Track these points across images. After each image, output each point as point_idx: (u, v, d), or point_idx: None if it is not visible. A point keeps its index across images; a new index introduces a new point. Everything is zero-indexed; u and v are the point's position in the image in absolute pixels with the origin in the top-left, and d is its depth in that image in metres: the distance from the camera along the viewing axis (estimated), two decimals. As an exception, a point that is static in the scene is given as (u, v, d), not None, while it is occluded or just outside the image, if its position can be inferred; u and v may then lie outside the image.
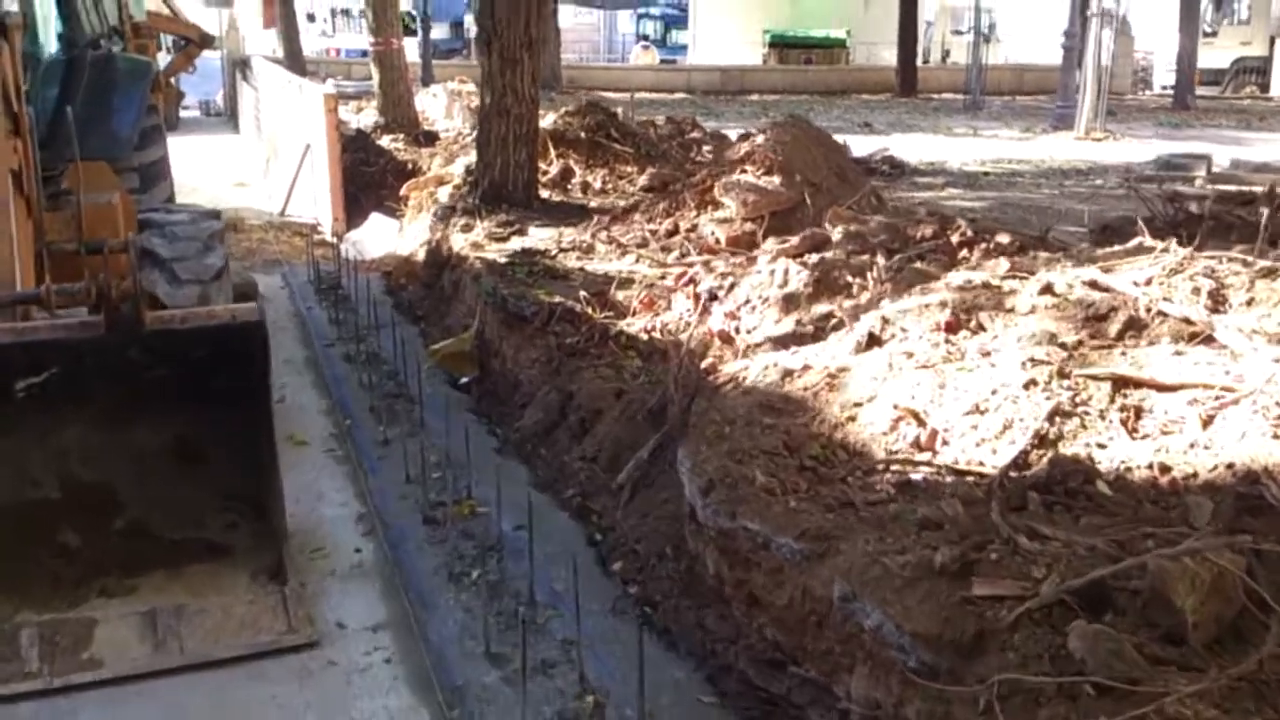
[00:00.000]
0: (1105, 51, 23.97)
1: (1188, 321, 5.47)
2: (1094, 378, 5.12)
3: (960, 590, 3.98)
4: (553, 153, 13.78)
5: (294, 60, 27.52)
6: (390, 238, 14.16)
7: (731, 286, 8.14)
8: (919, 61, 40.60)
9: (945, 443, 5.09)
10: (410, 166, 17.09)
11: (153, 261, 7.47)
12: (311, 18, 49.20)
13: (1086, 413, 4.96)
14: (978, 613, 3.89)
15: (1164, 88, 39.64)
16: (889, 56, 40.03)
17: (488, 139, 12.46)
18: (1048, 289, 6.00)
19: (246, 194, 18.40)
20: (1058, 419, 4.92)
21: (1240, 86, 39.72)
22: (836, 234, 8.44)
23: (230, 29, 31.27)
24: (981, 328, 5.93)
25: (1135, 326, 5.57)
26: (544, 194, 12.79)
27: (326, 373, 9.35)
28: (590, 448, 7.15)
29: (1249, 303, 5.65)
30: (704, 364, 7.07)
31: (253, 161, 21.28)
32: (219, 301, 7.53)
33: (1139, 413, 4.93)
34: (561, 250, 10.24)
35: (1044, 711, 3.51)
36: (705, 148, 16.02)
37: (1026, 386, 5.09)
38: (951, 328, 5.96)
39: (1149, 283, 5.85)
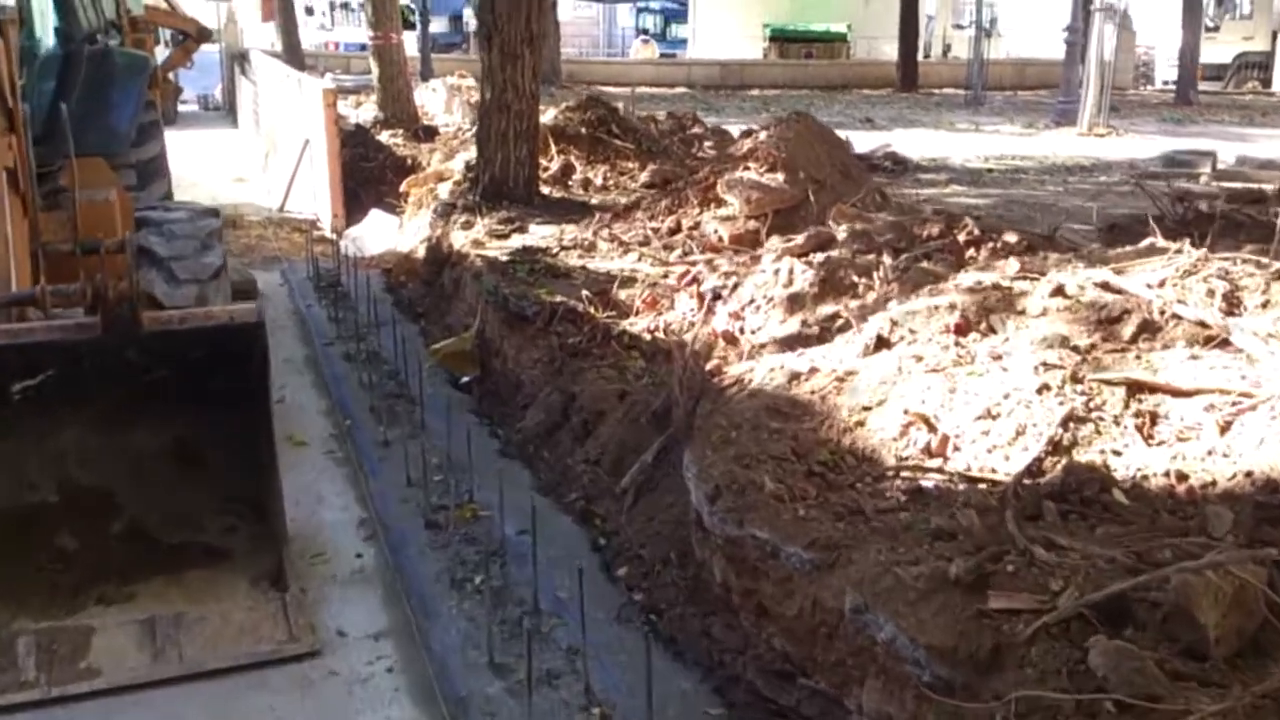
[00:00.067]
0: (1108, 46, 23.85)
1: (1203, 325, 5.38)
2: (1108, 382, 5.03)
3: (976, 603, 3.89)
4: (553, 149, 13.69)
5: (292, 54, 27.41)
6: (390, 234, 14.05)
7: (735, 286, 8.05)
8: (920, 56, 40.49)
9: (956, 449, 5.00)
10: (410, 162, 16.98)
11: (150, 260, 7.39)
12: (310, 11, 49.14)
13: (1101, 418, 4.87)
14: (994, 626, 3.81)
15: (1166, 83, 39.56)
16: (890, 51, 39.91)
17: (488, 135, 12.35)
18: (1059, 290, 5.90)
19: (245, 189, 18.30)
20: (1071, 425, 4.83)
21: (1242, 82, 39.63)
22: (841, 233, 8.34)
23: (229, 22, 31.15)
24: (992, 330, 5.84)
25: (1149, 329, 5.48)
26: (545, 190, 12.69)
27: (326, 372, 9.26)
28: (593, 450, 7.06)
29: (1264, 305, 5.56)
30: (708, 365, 6.97)
31: (251, 156, 21.18)
32: (217, 301, 7.45)
33: (1154, 418, 4.85)
34: (563, 248, 10.15)
35: (1063, 729, 3.44)
36: (706, 143, 15.94)
37: (1039, 391, 5.00)
38: (961, 330, 5.87)
39: (1162, 285, 5.76)
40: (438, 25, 43.02)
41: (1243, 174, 15.58)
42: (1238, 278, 5.75)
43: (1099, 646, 3.58)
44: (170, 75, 23.35)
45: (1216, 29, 39.79)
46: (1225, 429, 4.63)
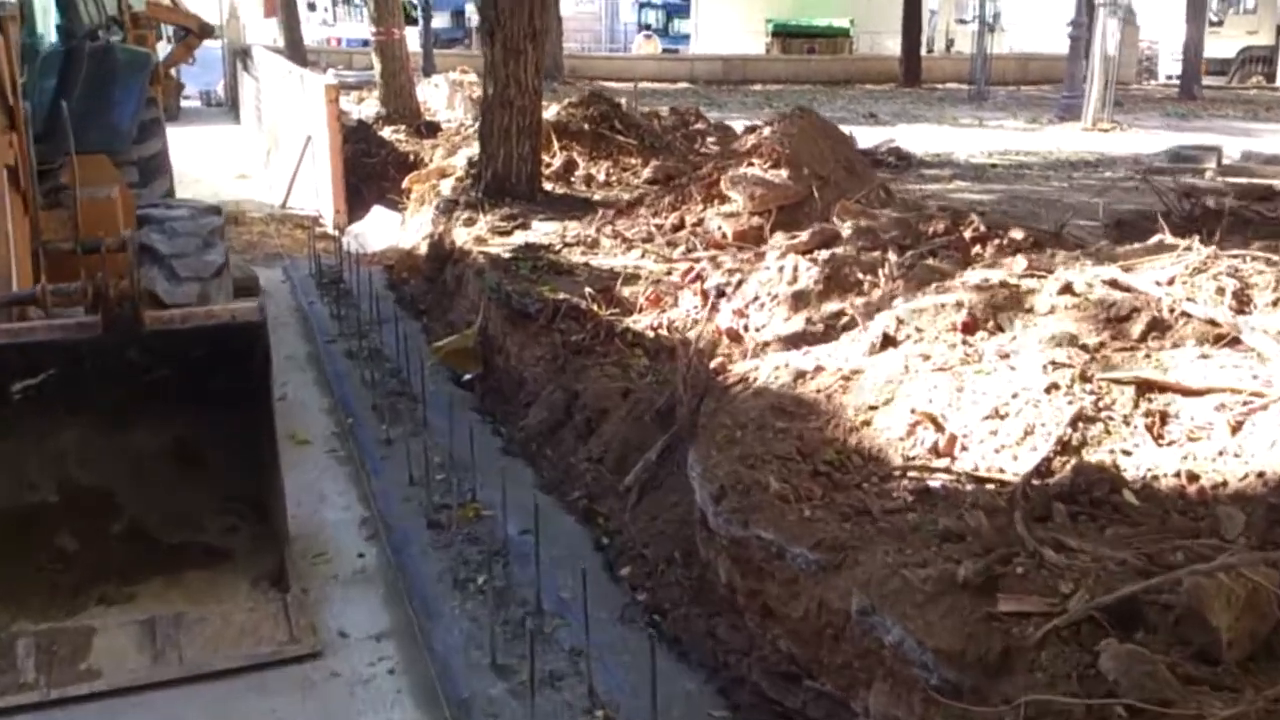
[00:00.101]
0: (1111, 41, 23.78)
1: (1213, 323, 5.33)
2: (1117, 381, 4.98)
3: (985, 606, 3.85)
4: (556, 145, 13.63)
5: (295, 50, 27.35)
6: (392, 231, 14.02)
7: (739, 283, 8.00)
8: (923, 51, 40.39)
9: (964, 448, 4.96)
10: (412, 158, 16.94)
11: (152, 258, 7.35)
12: (312, 7, 49.07)
13: (1110, 418, 4.83)
14: (1003, 629, 3.76)
15: (1169, 77, 39.42)
16: (893, 46, 39.78)
17: (490, 131, 12.30)
18: (1067, 288, 5.85)
19: (248, 186, 18.26)
20: (1081, 424, 4.78)
21: (1246, 76, 39.54)
22: (846, 229, 8.29)
23: (231, 18, 31.08)
24: (1000, 328, 5.79)
25: (1158, 328, 5.43)
26: (547, 187, 12.64)
27: (328, 369, 9.22)
28: (596, 448, 7.02)
29: (1275, 303, 5.51)
30: (713, 363, 6.93)
31: (254, 152, 21.15)
32: (219, 299, 7.41)
33: (1164, 418, 4.80)
34: (566, 245, 10.10)
35: (1074, 734, 3.39)
36: (709, 139, 15.90)
37: (1048, 390, 4.95)
38: (969, 328, 5.82)
39: (1171, 282, 5.71)
40: (440, 20, 42.97)
41: (1248, 169, 15.52)
42: (1248, 275, 5.71)
43: (1110, 650, 3.53)
44: (172, 71, 23.30)
45: (1220, 23, 39.69)
46: (1236, 429, 4.58)
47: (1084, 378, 5.02)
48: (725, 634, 5.10)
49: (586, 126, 14.10)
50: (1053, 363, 5.13)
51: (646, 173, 13.00)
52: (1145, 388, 4.94)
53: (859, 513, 4.69)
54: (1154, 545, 4.05)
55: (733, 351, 7.28)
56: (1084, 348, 5.32)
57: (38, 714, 4.77)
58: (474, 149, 13.53)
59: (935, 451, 5.02)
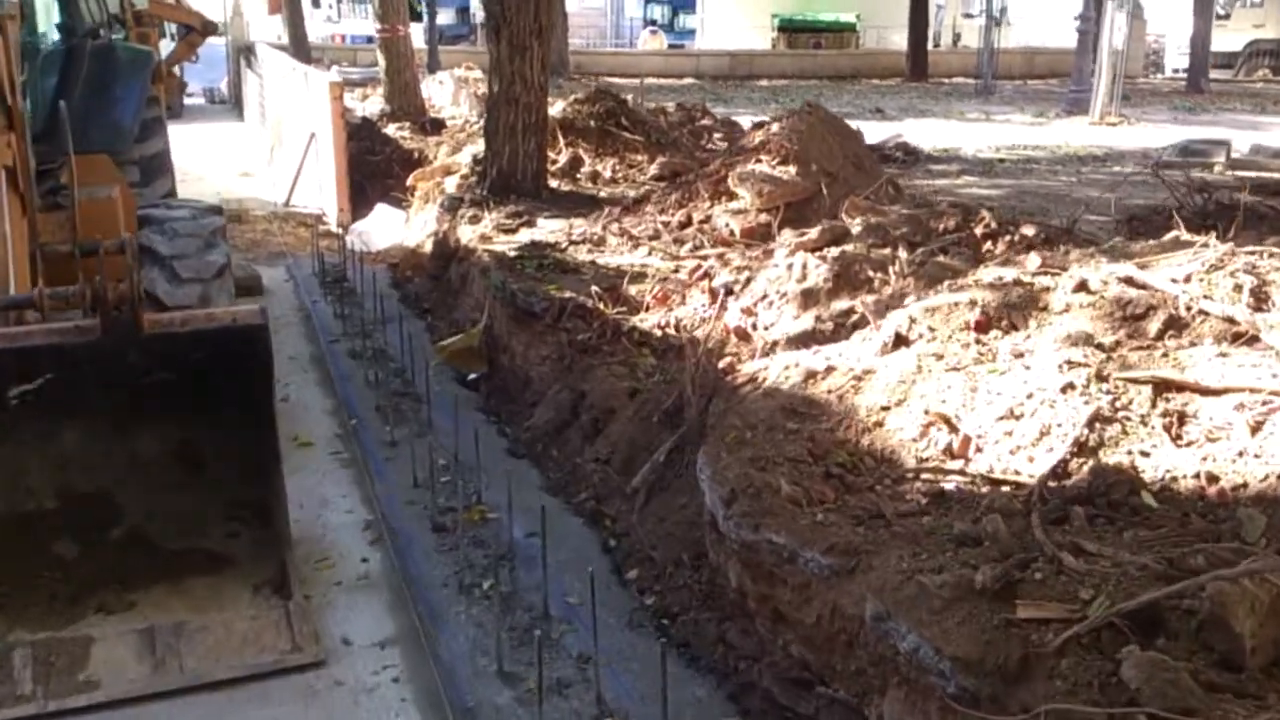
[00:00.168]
0: (1119, 35, 23.65)
1: (1230, 321, 5.23)
2: (1134, 381, 4.88)
3: (1003, 612, 3.75)
4: (561, 141, 13.56)
5: (298, 47, 27.26)
6: (397, 228, 13.93)
7: (748, 281, 7.92)
8: (930, 45, 40.26)
9: (979, 450, 4.87)
10: (416, 155, 16.84)
11: (152, 259, 7.28)
12: (316, 3, 48.97)
13: (1127, 418, 4.73)
14: (1022, 636, 3.66)
15: (1176, 71, 39.32)
16: (899, 40, 39.72)
17: (496, 128, 12.21)
18: (1082, 286, 5.75)
19: (251, 183, 18.17)
20: (1098, 425, 4.68)
21: (1253, 70, 39.37)
22: (855, 226, 8.19)
23: (234, 15, 31.01)
24: (1014, 327, 5.69)
25: (1175, 326, 5.33)
26: (553, 184, 12.56)
27: (332, 370, 9.14)
28: (603, 449, 6.94)
29: (1294, 301, 5.41)
30: (721, 363, 6.84)
31: (257, 150, 21.07)
32: (221, 300, 7.33)
33: (1183, 418, 4.69)
34: (572, 243, 10.01)
35: (1095, 744, 3.30)
36: (716, 135, 15.83)
37: (1064, 390, 4.86)
38: (982, 327, 5.72)
39: (1188, 279, 5.59)
40: (445, 17, 42.91)
41: (1257, 163, 15.42)
42: (1265, 272, 5.59)
43: (1132, 658, 3.44)
44: (175, 69, 23.23)
45: (1227, 17, 39.49)
46: (1256, 429, 4.47)
47: (1100, 377, 4.92)
48: (736, 639, 5.01)
49: (592, 123, 14.02)
50: (1068, 362, 5.03)
51: (653, 169, 12.92)
52: (1163, 387, 4.84)
53: (872, 516, 4.60)
54: (1174, 549, 3.96)
55: (741, 350, 7.19)
56: (1100, 347, 5.22)
57: (36, 726, 4.70)
58: (479, 146, 13.45)
59: (949, 453, 4.93)
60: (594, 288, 8.52)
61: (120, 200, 7.76)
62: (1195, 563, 3.83)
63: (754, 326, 7.44)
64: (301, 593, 5.49)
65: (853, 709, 4.36)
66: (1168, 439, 4.59)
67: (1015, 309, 5.79)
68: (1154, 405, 4.76)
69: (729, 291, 7.86)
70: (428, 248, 12.21)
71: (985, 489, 4.63)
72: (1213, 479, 4.33)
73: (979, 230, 7.85)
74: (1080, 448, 4.60)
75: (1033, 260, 6.45)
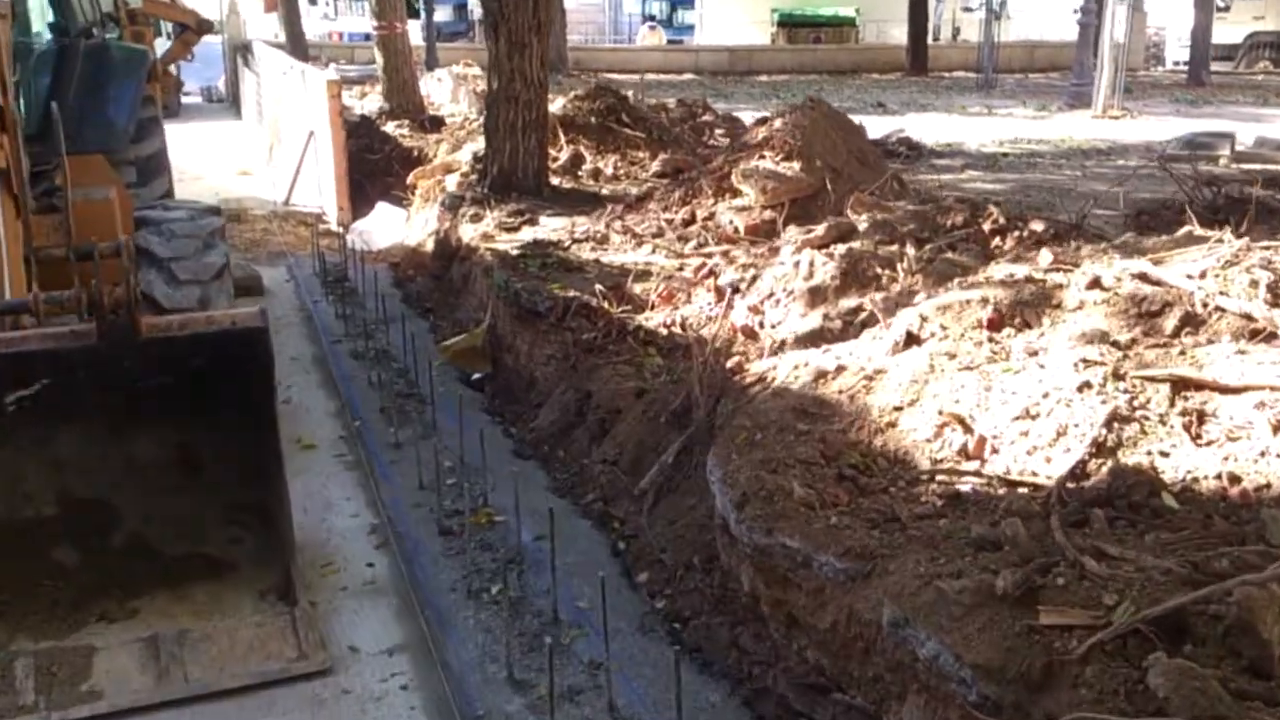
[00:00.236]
0: (1120, 28, 23.55)
1: (1248, 318, 5.15)
2: (1152, 379, 4.80)
3: (1025, 618, 3.67)
4: (562, 138, 13.49)
5: (296, 44, 27.16)
6: (397, 227, 13.85)
7: (754, 279, 7.84)
8: (929, 39, 40.15)
9: (994, 450, 4.79)
10: (416, 153, 16.75)
11: (150, 261, 7.18)
12: (313, 1, 48.85)
13: (1146, 417, 4.65)
14: (1045, 643, 3.58)
15: (1176, 63, 39.21)
16: (899, 34, 39.58)
17: (496, 125, 12.13)
18: (1096, 283, 5.67)
19: (250, 182, 18.08)
20: (1116, 425, 4.60)
21: (1253, 62, 39.21)
22: (862, 223, 8.12)
23: (231, 14, 30.88)
24: (1027, 325, 5.61)
25: (1192, 323, 5.25)
26: (554, 181, 12.49)
27: (334, 371, 9.06)
28: (610, 450, 6.86)
29: (1312, 296, 5.33)
30: (729, 362, 6.76)
31: (256, 149, 20.97)
32: (220, 302, 7.24)
33: (1202, 417, 4.61)
34: (575, 241, 9.93)
35: (1123, 753, 3.23)
36: (718, 131, 15.75)
37: (1080, 389, 4.78)
38: (994, 325, 5.64)
39: (1203, 275, 5.52)
40: (442, 14, 42.82)
41: (1262, 155, 15.33)
42: (1281, 267, 5.52)
43: (1159, 665, 3.36)
44: (171, 68, 23.12)
45: (1227, 9, 39.32)
46: (1278, 428, 4.39)
47: (1117, 376, 4.84)
48: (749, 643, 4.93)
49: (593, 120, 13.96)
50: (1084, 360, 4.95)
51: (655, 166, 12.84)
52: (1181, 385, 4.76)
53: (887, 519, 4.52)
54: (1198, 552, 3.88)
55: (748, 349, 7.12)
56: (1115, 344, 5.14)
57: (38, 737, 4.62)
58: (479, 144, 13.37)
59: (964, 454, 4.85)
60: (598, 286, 8.44)
61: (117, 201, 7.67)
62: (1220, 566, 3.75)
63: (761, 325, 7.36)
64: (307, 599, 5.42)
65: (870, 716, 4.28)
66: (1187, 439, 4.51)
67: (1028, 306, 5.71)
68: (1172, 404, 4.68)
69: (735, 290, 7.78)
70: (429, 246, 12.13)
71: (1002, 491, 4.55)
72: (1235, 479, 4.25)
73: (987, 226, 7.77)
74: (1098, 448, 4.52)
75: (1044, 256, 6.37)
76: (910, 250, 7.45)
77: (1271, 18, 40.12)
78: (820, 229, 8.16)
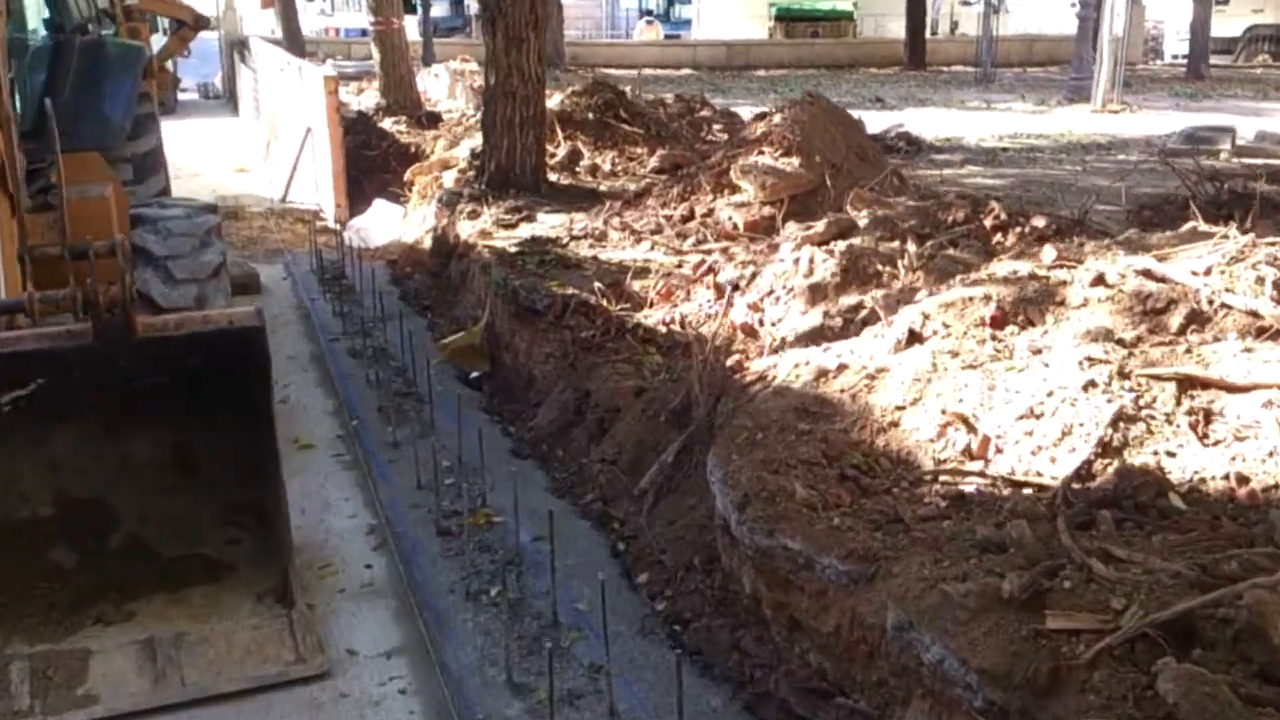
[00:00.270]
0: (1120, 21, 23.49)
1: (1255, 315, 5.10)
2: (1158, 378, 4.75)
3: (1031, 623, 3.62)
4: (560, 134, 13.43)
5: (293, 40, 27.08)
6: (395, 224, 13.80)
7: (753, 276, 7.79)
8: (927, 33, 40.06)
9: (998, 450, 4.73)
10: (413, 149, 16.69)
11: (146, 260, 7.12)
12: (310, -3, 48.70)
13: (1152, 417, 4.60)
14: (1052, 648, 3.53)
15: (1175, 57, 39.09)
16: (896, 29, 39.45)
17: (493, 121, 12.07)
18: (1100, 280, 5.61)
19: (247, 179, 18.02)
20: (1121, 424, 4.55)
21: (1252, 55, 39.14)
22: (862, 219, 8.06)
23: (227, 9, 30.80)
24: (1030, 322, 5.56)
25: (1198, 320, 5.20)
26: (552, 178, 12.43)
27: (332, 369, 9.00)
28: (609, 449, 6.81)
29: (1319, 294, 5.27)
30: (729, 360, 6.71)
31: (253, 146, 20.90)
32: (217, 300, 7.18)
33: (1209, 416, 4.56)
34: (573, 238, 9.87)
35: (1132, 761, 3.18)
36: (715, 126, 15.69)
37: (1085, 388, 4.72)
38: (998, 323, 5.59)
39: (1208, 272, 5.47)
40: (439, 9, 42.65)
41: (1263, 150, 15.29)
42: (1287, 263, 5.46)
43: (1168, 670, 3.31)
44: (168, 64, 23.01)
45: (1226, 2, 39.22)
46: (1286, 427, 4.35)
47: (1122, 374, 4.79)
48: (751, 646, 4.88)
49: (591, 115, 13.89)
50: (1089, 358, 4.90)
51: (653, 162, 12.78)
52: (1187, 384, 4.71)
53: (890, 521, 4.47)
54: (1206, 554, 3.83)
55: (748, 347, 7.07)
56: (1120, 342, 5.09)
57: (33, 742, 4.57)
58: (476, 140, 13.31)
59: (968, 454, 4.80)
60: (597, 284, 8.39)
61: (113, 199, 7.61)
62: (1229, 569, 3.71)
63: (761, 323, 7.32)
64: (305, 601, 5.37)
65: (874, 720, 4.24)
66: (1194, 438, 4.46)
67: (1031, 304, 5.66)
68: (1179, 403, 4.63)
69: (735, 287, 7.73)
70: (427, 244, 12.08)
71: (1007, 491, 4.50)
72: (1243, 480, 4.20)
73: (988, 222, 7.72)
74: (1104, 448, 4.47)
75: (1048, 253, 6.32)
76: (911, 247, 7.40)
77: (1270, 10, 40.00)
78: (820, 225, 8.10)
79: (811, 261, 7.40)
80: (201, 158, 19.25)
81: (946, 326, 5.70)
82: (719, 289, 7.84)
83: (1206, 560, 3.77)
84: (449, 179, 13.24)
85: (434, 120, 18.65)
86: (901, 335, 5.77)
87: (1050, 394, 4.77)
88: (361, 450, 7.39)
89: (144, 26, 14.33)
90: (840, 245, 7.53)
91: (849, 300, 7.01)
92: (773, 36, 43.49)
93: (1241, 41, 39.59)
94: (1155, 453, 4.43)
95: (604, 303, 8.16)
